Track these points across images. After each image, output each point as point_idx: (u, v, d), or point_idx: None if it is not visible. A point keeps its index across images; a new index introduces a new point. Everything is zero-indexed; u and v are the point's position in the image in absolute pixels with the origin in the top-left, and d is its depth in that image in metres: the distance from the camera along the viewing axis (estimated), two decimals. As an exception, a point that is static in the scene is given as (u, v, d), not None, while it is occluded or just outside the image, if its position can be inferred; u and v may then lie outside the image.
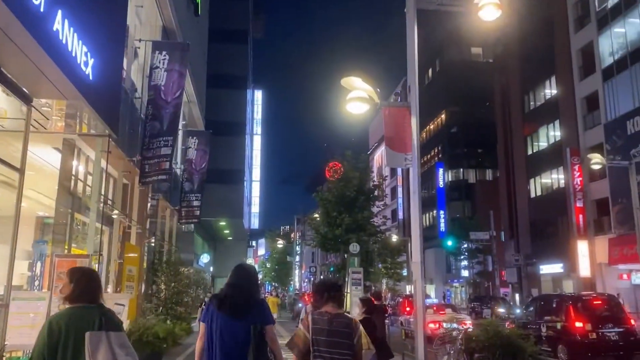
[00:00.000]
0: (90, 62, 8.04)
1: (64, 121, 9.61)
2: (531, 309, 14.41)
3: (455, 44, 56.21)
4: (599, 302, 12.70)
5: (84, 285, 3.36)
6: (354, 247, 18.59)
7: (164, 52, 12.13)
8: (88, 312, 3.28)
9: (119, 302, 9.43)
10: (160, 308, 14.58)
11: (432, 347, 9.59)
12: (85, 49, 7.69)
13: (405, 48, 10.29)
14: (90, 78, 8.11)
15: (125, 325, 10.75)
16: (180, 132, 20.17)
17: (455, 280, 57.93)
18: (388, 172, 63.42)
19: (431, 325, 18.44)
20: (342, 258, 22.23)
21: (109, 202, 12.24)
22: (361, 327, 3.81)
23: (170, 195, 18.45)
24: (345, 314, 3.88)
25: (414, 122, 10.69)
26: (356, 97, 10.39)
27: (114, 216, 11.66)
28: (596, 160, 24.49)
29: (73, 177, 10.74)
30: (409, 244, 52.88)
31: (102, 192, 10.11)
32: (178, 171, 19.66)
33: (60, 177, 10.11)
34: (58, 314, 3.36)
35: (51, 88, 7.56)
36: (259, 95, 54.75)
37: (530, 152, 40.35)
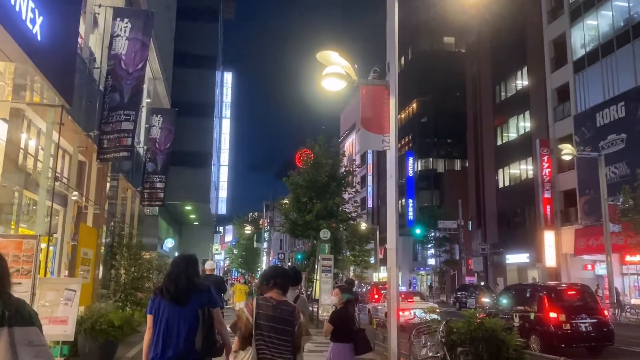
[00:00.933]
0: (39, 20, 7.18)
1: (11, 88, 8.73)
2: (503, 298, 14.16)
3: (428, 33, 55.97)
4: (573, 292, 12.49)
5: None
6: (325, 234, 18.08)
7: (125, 20, 11.25)
8: None
9: (69, 287, 8.66)
10: (119, 294, 13.77)
11: (408, 339, 9.14)
12: (32, 4, 6.84)
13: (384, 28, 9.70)
14: (39, 38, 7.26)
15: (78, 312, 9.95)
16: (143, 110, 19.19)
17: (422, 269, 58.28)
18: (358, 160, 63.20)
19: (400, 314, 18.10)
20: (311, 245, 21.70)
21: (63, 179, 11.36)
22: (302, 316, 3.89)
23: (132, 175, 17.54)
24: (289, 301, 3.95)
25: (393, 102, 10.14)
26: (332, 73, 9.76)
27: (69, 195, 10.79)
28: (567, 151, 24.57)
29: (22, 151, 9.84)
30: (377, 232, 53.06)
31: (54, 168, 9.25)
32: (141, 151, 18.74)
33: (6, 150, 9.19)
34: None
35: (-8, 48, 6.72)
36: (228, 77, 53.51)
37: (499, 143, 40.51)
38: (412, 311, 18.03)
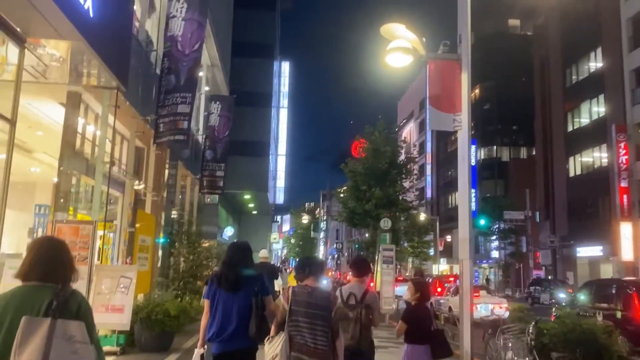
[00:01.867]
0: (91, -5, 6.86)
1: (67, 71, 8.53)
2: (582, 295, 12.99)
3: (492, 15, 53.60)
4: (667, 289, 11.21)
5: (36, 259, 2.55)
6: (385, 223, 17.34)
7: (181, 0, 10.90)
8: (37, 292, 2.48)
9: (125, 274, 8.41)
10: (178, 282, 13.63)
11: (482, 337, 8.35)
12: (82, -23, 6.50)
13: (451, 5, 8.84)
14: (91, 15, 6.94)
15: (136, 300, 9.75)
16: (202, 97, 19.07)
17: (484, 261, 56.28)
18: (417, 148, 61.70)
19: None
20: (370, 234, 21.01)
21: (122, 166, 11.21)
22: (339, 301, 4.13)
23: (192, 163, 17.43)
24: (324, 289, 4.09)
25: (465, 78, 9.25)
26: (398, 47, 8.98)
27: (127, 181, 10.61)
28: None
29: (80, 136, 9.70)
30: (437, 223, 51.62)
31: (111, 153, 9.03)
32: (200, 139, 18.62)
33: (63, 135, 9.04)
34: (4, 293, 2.58)
35: (44, 24, 6.43)
36: (286, 67, 53.32)
37: (570, 129, 38.21)
38: (478, 306, 17.09)
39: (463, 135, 9.17)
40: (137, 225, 10.27)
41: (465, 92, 9.16)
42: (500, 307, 18.16)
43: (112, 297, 8.18)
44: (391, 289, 14.91)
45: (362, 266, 4.92)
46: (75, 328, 2.36)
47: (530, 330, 5.88)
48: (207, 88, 19.93)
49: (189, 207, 18.48)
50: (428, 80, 9.42)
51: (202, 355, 4.30)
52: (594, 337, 5.40)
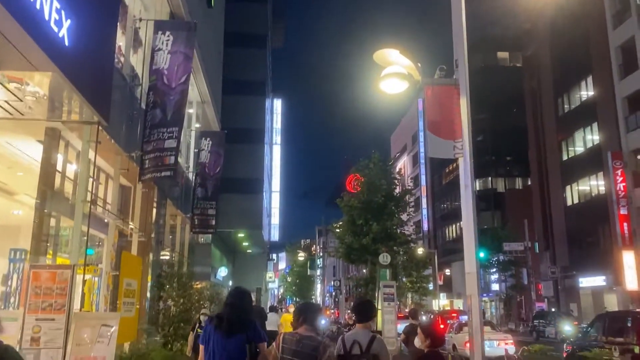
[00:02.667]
0: (66, 23, 6.42)
1: (45, 105, 8.06)
2: (594, 328, 12.32)
3: (480, 49, 54.26)
4: (687, 321, 10.59)
5: None
6: (385, 258, 16.71)
7: (167, 33, 10.55)
8: None
9: (106, 322, 7.73)
10: (168, 328, 12.84)
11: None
12: (57, 4, 6.09)
13: (444, 33, 8.51)
14: (66, 43, 6.51)
15: (123, 350, 9.01)
16: (192, 134, 18.64)
17: (485, 295, 55.21)
18: (411, 182, 61.34)
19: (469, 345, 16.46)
20: (369, 270, 20.33)
21: (107, 206, 10.63)
22: (330, 351, 3.92)
23: (182, 202, 16.84)
24: (316, 336, 4.00)
25: (464, 102, 8.84)
26: (392, 73, 8.59)
27: (109, 220, 10.00)
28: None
29: (59, 174, 9.15)
30: (435, 257, 50.86)
31: (92, 191, 8.47)
32: (190, 176, 18.08)
33: (41, 173, 8.50)
34: None
35: (14, 53, 5.99)
36: (278, 104, 53.35)
37: (565, 158, 38.04)
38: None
39: (465, 162, 8.67)
40: (122, 268, 9.61)
41: (465, 117, 8.72)
42: (507, 343, 17.37)
43: (92, 348, 7.48)
44: (394, 327, 14.19)
45: (367, 309, 4.36)
46: None
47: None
48: (197, 125, 19.52)
49: (180, 247, 17.78)
50: (425, 107, 9.00)
51: None
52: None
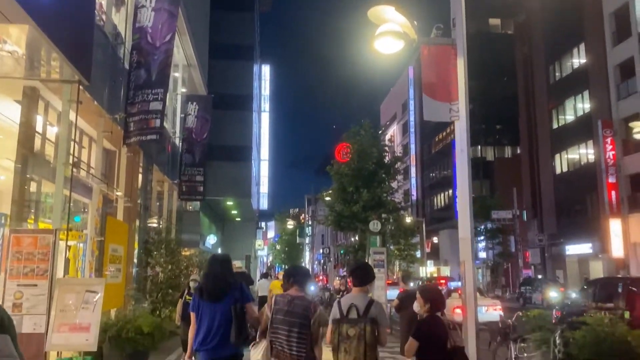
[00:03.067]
0: (40, -29, 6.00)
1: (22, 63, 7.65)
2: (584, 294, 12.35)
3: (472, 15, 53.45)
4: (678, 286, 10.60)
5: None
6: (375, 225, 16.58)
7: (151, -12, 10.06)
8: None
9: (90, 288, 7.51)
10: (156, 294, 12.69)
11: (490, 347, 7.58)
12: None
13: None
14: (42, -5, 6.10)
15: (109, 316, 8.82)
16: (178, 98, 18.17)
17: (472, 262, 55.80)
18: (400, 150, 61.17)
19: (458, 311, 16.58)
20: (358, 238, 20.25)
21: (90, 168, 10.28)
22: (320, 309, 4.00)
23: (169, 168, 16.51)
24: (306, 297, 4.14)
25: (462, 63, 8.54)
26: (387, 32, 8.25)
27: (93, 185, 9.67)
28: None
29: (39, 136, 8.79)
30: (423, 225, 51.12)
31: (73, 153, 8.13)
32: (177, 142, 17.70)
33: (21, 135, 8.15)
34: None
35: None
36: (266, 70, 52.45)
37: (555, 126, 37.95)
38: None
39: (461, 126, 8.42)
40: (107, 233, 9.35)
41: (462, 79, 8.43)
42: (495, 309, 17.50)
43: (77, 315, 7.27)
44: (383, 293, 14.15)
45: (365, 273, 4.15)
46: (2, 342, 2.28)
47: (557, 341, 5.12)
48: (184, 90, 19.02)
49: (168, 214, 17.52)
50: (422, 67, 8.70)
51: None
52: (629, 346, 4.66)
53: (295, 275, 4.25)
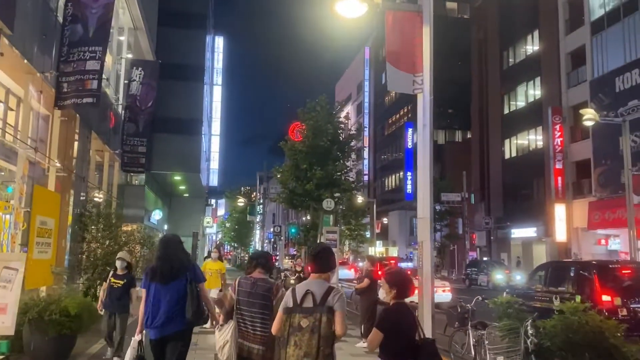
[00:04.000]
0: None
1: None
2: (537, 277, 12.30)
3: (430, -3, 53.39)
4: (628, 271, 10.62)
5: None
6: (328, 204, 16.11)
7: None
8: None
9: (9, 265, 6.64)
10: (92, 271, 11.77)
11: (445, 332, 7.24)
12: None
13: None
14: None
15: (29, 295, 7.94)
16: (122, 62, 16.97)
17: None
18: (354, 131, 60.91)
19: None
20: (311, 216, 19.76)
21: (17, 131, 9.23)
22: (282, 291, 4.16)
23: (110, 136, 15.41)
24: (269, 279, 4.39)
25: (427, 32, 8.06)
26: (351, -8, 7.74)
27: (19, 150, 8.66)
28: (588, 116, 22.52)
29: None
30: (374, 206, 51.34)
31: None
32: (120, 109, 16.56)
33: None
34: None
35: None
36: (220, 42, 50.66)
37: (506, 112, 38.48)
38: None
39: (425, 99, 7.97)
40: (34, 204, 8.41)
41: (427, 49, 7.95)
42: (444, 291, 17.45)
43: (-9, 294, 6.42)
44: (335, 275, 13.73)
45: (327, 259, 3.58)
46: None
47: (530, 331, 4.74)
48: (129, 55, 17.79)
49: (108, 187, 16.44)
50: (386, 34, 8.14)
51: (139, 342, 4.64)
52: (602, 337, 4.33)
53: (259, 259, 4.43)
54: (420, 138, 8.16)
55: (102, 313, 7.64)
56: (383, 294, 3.66)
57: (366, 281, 9.46)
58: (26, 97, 8.88)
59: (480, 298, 7.19)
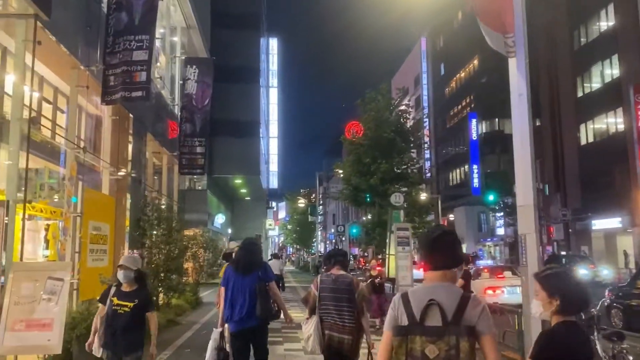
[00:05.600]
0: None
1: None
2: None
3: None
4: None
5: None
6: (397, 199, 14.91)
7: None
8: None
9: (53, 275, 5.96)
10: (152, 279, 11.18)
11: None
12: None
13: None
14: None
15: (65, 312, 7.22)
16: (177, 61, 16.50)
17: (489, 239, 54.14)
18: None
19: (489, 292, 15.03)
20: (376, 214, 18.59)
21: (61, 129, 8.69)
22: (362, 285, 4.66)
23: (166, 138, 14.91)
24: (347, 274, 4.70)
25: (519, -13, 6.78)
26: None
27: (66, 149, 8.07)
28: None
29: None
30: (439, 202, 49.41)
31: (30, 105, 6.52)
32: (176, 110, 16.07)
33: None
34: None
35: None
36: (274, 43, 50.43)
37: (580, 95, 35.80)
38: (504, 290, 14.85)
39: (519, 64, 6.70)
40: (85, 208, 7.78)
41: (519, 5, 6.64)
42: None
43: (36, 308, 5.73)
44: (409, 274, 12.56)
45: (453, 246, 2.41)
46: None
47: None
48: (182, 51, 17.32)
49: (169, 190, 15.98)
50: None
51: (221, 333, 5.08)
52: None
53: (337, 256, 4.76)
54: (516, 111, 6.96)
55: (97, 354, 4.80)
56: (537, 307, 2.50)
57: (461, 282, 8.28)
58: (72, 93, 8.30)
59: (608, 301, 5.89)
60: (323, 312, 4.46)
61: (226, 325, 5.07)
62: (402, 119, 17.86)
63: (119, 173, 10.05)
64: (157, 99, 14.01)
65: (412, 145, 18.18)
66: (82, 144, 8.49)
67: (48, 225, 9.73)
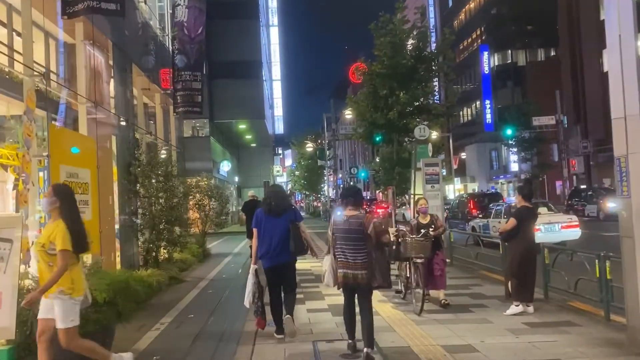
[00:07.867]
0: None
1: None
2: None
3: None
4: None
5: None
6: (422, 132, 13.22)
7: None
8: None
9: (1, 235, 4.46)
10: (149, 232, 9.74)
11: None
12: None
13: None
14: None
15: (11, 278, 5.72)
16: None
17: (502, 177, 52.64)
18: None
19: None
20: (394, 151, 16.95)
21: (13, 52, 6.99)
22: (374, 219, 4.95)
23: (157, 73, 13.15)
24: (359, 214, 4.96)
25: None
26: None
27: (23, 76, 6.36)
28: None
29: None
30: (450, 140, 47.59)
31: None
32: (167, 42, 14.23)
33: None
34: None
35: None
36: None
37: (603, 17, 33.26)
38: (542, 227, 13.32)
39: None
40: (52, 149, 6.19)
41: None
42: (570, 226, 14.41)
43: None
44: (441, 214, 11.08)
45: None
46: None
47: None
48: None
49: (165, 134, 14.36)
50: None
51: (256, 270, 5.62)
52: None
53: (348, 196, 5.05)
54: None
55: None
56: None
57: (512, 221, 6.77)
58: (25, 6, 6.52)
59: None
60: (337, 252, 4.90)
61: (259, 262, 5.65)
62: (420, 43, 15.85)
63: (99, 112, 8.38)
64: (144, 28, 12.19)
65: (436, 71, 16.26)
66: (42, 71, 6.80)
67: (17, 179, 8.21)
